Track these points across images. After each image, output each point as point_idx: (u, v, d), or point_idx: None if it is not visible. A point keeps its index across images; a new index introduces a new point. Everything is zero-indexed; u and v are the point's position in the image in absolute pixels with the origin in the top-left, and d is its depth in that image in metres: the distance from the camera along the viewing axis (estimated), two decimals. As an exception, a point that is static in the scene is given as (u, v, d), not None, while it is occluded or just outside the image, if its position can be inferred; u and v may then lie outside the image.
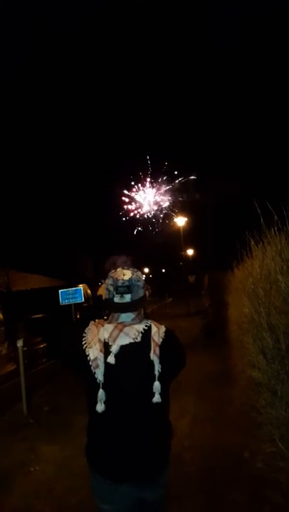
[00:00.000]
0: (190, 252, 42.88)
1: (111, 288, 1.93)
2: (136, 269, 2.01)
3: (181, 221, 28.82)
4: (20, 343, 6.67)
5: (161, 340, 1.90)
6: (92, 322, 1.98)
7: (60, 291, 10.24)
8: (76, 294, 10.20)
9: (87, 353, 1.84)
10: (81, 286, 11.11)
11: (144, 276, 2.03)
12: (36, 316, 12.94)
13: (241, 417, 4.83)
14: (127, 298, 1.91)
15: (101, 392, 1.80)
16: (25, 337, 8.24)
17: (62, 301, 10.09)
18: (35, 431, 5.65)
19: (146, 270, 69.44)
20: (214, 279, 15.07)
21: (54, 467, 4.45)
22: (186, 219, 29.57)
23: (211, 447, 4.47)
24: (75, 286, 10.96)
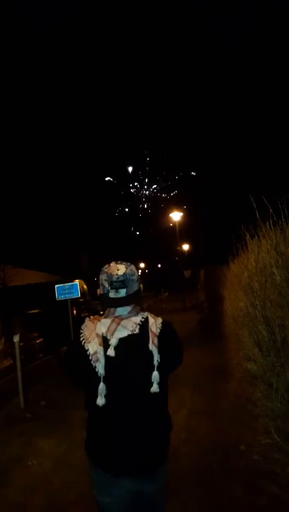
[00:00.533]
0: (185, 247, 42.92)
1: (106, 283, 1.92)
2: (129, 263, 2.00)
3: (176, 216, 28.81)
4: (16, 339, 6.67)
5: (158, 330, 1.91)
6: (88, 318, 1.98)
7: (56, 286, 10.23)
8: (72, 289, 10.19)
9: (86, 348, 1.84)
10: (77, 282, 11.10)
11: (139, 271, 2.03)
12: (33, 311, 12.92)
13: (237, 409, 4.86)
14: (122, 292, 1.90)
15: (102, 386, 1.81)
16: (22, 332, 8.23)
17: (59, 296, 10.08)
18: (33, 425, 5.65)
19: (142, 265, 69.49)
20: (210, 274, 15.12)
21: (51, 461, 4.46)
22: (181, 214, 29.56)
23: (207, 440, 4.49)
24: (71, 282, 10.95)
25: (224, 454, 4.08)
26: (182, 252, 39.27)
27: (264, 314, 3.64)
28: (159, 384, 1.85)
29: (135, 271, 1.98)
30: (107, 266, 1.97)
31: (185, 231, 36.24)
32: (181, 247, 36.53)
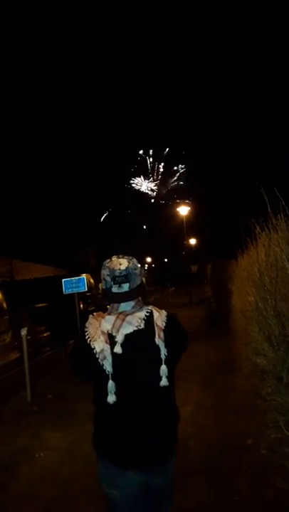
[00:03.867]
0: (193, 241, 42.81)
1: (108, 278, 1.90)
2: (131, 257, 1.98)
3: (183, 210, 28.71)
4: (24, 332, 6.69)
5: (164, 324, 1.90)
6: (91, 315, 1.97)
7: (63, 280, 10.23)
8: (79, 283, 10.18)
9: (92, 347, 1.83)
10: (84, 276, 11.09)
11: (146, 265, 2.01)
12: (40, 305, 12.96)
13: (245, 404, 4.83)
14: (125, 287, 1.89)
15: (111, 383, 1.80)
16: (29, 326, 8.25)
17: (66, 290, 10.08)
18: (40, 418, 5.67)
19: (148, 260, 69.53)
20: (217, 268, 15.05)
21: (58, 454, 4.47)
22: (188, 208, 29.45)
23: (214, 434, 4.48)
24: (78, 276, 10.95)
25: (231, 448, 4.06)
26: (189, 246, 39.18)
27: (275, 308, 3.60)
28: (168, 377, 1.84)
29: (137, 265, 1.96)
30: (108, 260, 1.96)
31: (192, 225, 36.17)
32: (188, 241, 36.45)
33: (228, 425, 4.63)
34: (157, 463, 1.91)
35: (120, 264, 1.90)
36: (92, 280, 15.95)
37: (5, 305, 9.21)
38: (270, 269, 3.93)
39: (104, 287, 1.94)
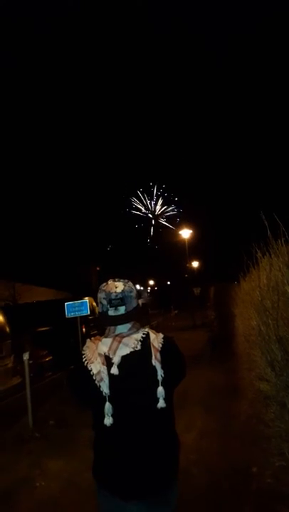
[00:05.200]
0: (195, 264, 42.87)
1: (104, 302, 1.93)
2: (127, 280, 2.01)
3: (186, 233, 28.87)
4: (26, 356, 6.65)
5: (160, 345, 1.91)
6: (89, 339, 1.99)
7: (66, 303, 10.22)
8: (82, 306, 10.17)
9: (89, 368, 1.84)
10: (87, 299, 11.08)
11: (148, 288, 2.04)
12: (42, 328, 12.90)
13: (249, 430, 4.76)
14: (122, 310, 1.91)
15: (108, 405, 1.79)
16: (32, 350, 8.21)
17: (68, 313, 10.07)
18: (41, 445, 5.59)
19: (151, 282, 69.45)
20: (220, 291, 15.03)
21: (59, 482, 4.39)
22: (191, 231, 29.63)
23: (218, 461, 4.40)
24: (81, 299, 10.95)
25: (236, 476, 3.98)
26: (192, 269, 39.18)
27: (277, 333, 3.60)
28: (165, 399, 1.84)
29: (133, 288, 1.99)
30: (104, 284, 1.99)
31: (195, 248, 36.31)
32: (190, 264, 36.50)
33: (232, 452, 4.55)
34: (159, 492, 1.84)
35: (116, 287, 1.93)
36: (94, 303, 15.91)
37: (7, 329, 9.18)
38: (271, 294, 3.94)
39: (100, 310, 1.96)
